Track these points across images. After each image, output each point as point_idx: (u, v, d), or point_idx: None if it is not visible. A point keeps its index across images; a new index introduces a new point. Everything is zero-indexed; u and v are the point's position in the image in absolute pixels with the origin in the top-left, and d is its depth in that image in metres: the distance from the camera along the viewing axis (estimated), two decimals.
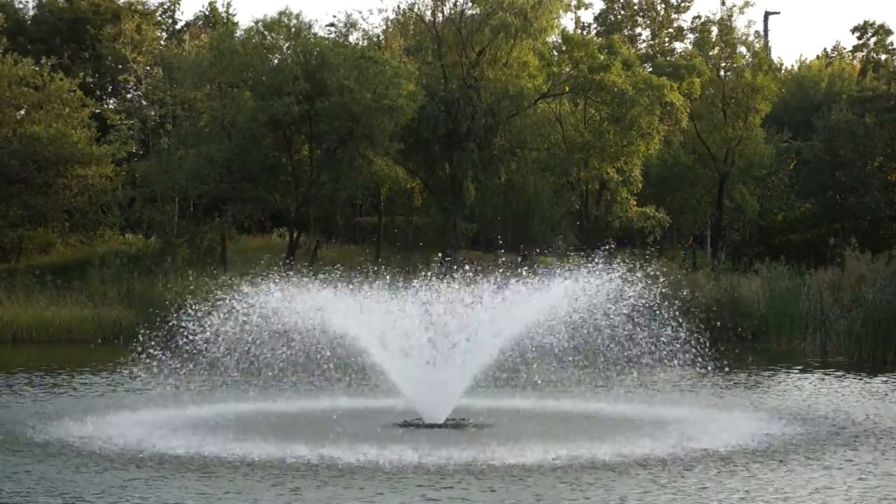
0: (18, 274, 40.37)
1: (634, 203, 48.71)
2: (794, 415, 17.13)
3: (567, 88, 48.81)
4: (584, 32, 64.67)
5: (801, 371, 24.22)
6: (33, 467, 12.67)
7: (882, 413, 17.38)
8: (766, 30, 70.72)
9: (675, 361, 17.55)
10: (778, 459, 13.24)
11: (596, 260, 16.75)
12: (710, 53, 52.93)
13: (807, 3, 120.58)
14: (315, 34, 47.82)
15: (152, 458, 13.02)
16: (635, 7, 72.27)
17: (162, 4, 62.06)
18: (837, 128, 52.66)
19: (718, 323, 25.78)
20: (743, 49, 53.29)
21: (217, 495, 11.25)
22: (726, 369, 21.68)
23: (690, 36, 63.68)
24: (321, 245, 47.17)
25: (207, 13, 61.15)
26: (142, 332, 17.97)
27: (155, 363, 17.53)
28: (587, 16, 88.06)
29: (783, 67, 70.81)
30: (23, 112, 48.03)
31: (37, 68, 48.79)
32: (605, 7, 71.89)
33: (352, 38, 53.07)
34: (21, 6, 60.89)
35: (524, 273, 16.89)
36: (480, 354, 16.18)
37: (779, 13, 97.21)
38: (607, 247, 19.32)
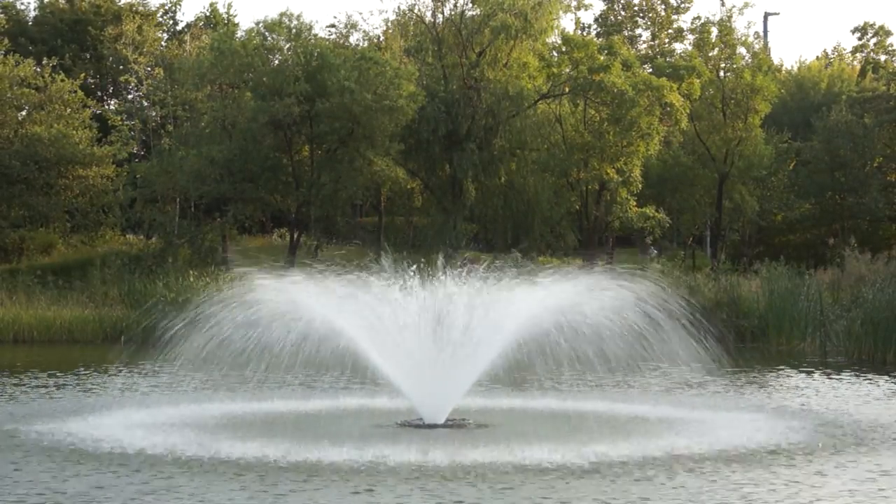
0: (20, 274, 40.47)
1: (634, 203, 48.76)
2: (797, 414, 17.19)
3: (567, 89, 48.89)
4: (584, 33, 64.73)
5: (802, 371, 24.29)
6: (32, 467, 12.74)
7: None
8: (765, 31, 70.80)
9: (677, 362, 17.59)
10: (788, 459, 13.31)
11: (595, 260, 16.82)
12: (710, 54, 53.02)
13: (806, 4, 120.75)
14: (315, 35, 48.02)
15: (148, 458, 13.08)
16: (635, 8, 72.29)
17: (163, 5, 62.18)
18: (837, 128, 52.72)
19: (718, 323, 25.84)
20: (742, 50, 53.41)
21: (210, 495, 11.29)
22: (726, 370, 21.73)
23: (690, 37, 63.75)
24: (321, 245, 47.27)
25: (208, 14, 61.20)
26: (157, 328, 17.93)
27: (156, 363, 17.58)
28: (587, 17, 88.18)
29: (783, 68, 70.86)
30: (24, 113, 48.14)
31: (38, 69, 48.93)
32: (605, 8, 71.95)
33: (352, 39, 53.35)
34: (22, 7, 61.19)
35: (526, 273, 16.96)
36: (483, 354, 16.24)
37: (778, 14, 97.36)
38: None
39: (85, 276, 39.34)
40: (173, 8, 62.64)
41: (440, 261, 16.98)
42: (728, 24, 53.03)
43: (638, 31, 72.99)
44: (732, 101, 51.14)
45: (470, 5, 49.28)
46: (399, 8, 61.81)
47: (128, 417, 16.36)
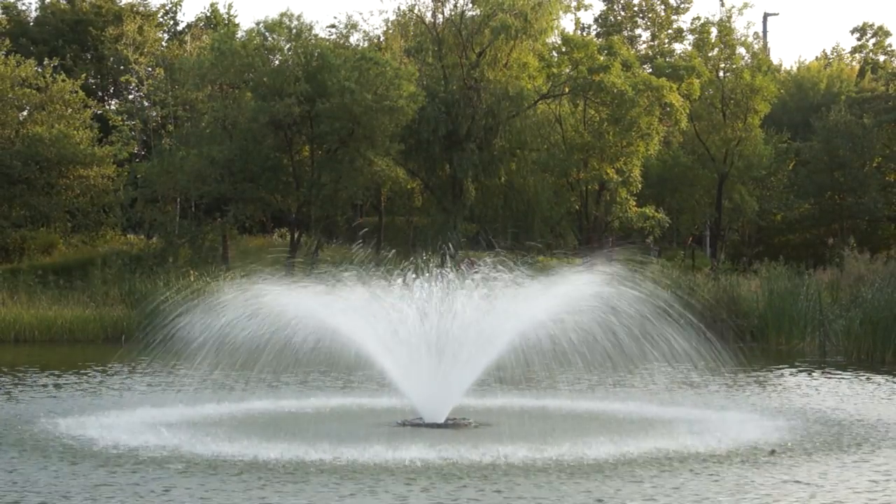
0: (21, 274, 40.53)
1: (634, 203, 48.79)
2: (798, 414, 17.22)
3: (567, 89, 48.91)
4: (584, 34, 64.76)
5: (802, 371, 24.32)
6: (30, 466, 12.77)
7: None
8: (765, 31, 70.87)
9: (677, 362, 17.61)
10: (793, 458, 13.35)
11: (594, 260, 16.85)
12: (710, 54, 53.06)
13: (806, 4, 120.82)
14: (316, 35, 47.96)
15: (147, 457, 13.10)
16: (635, 8, 72.29)
17: (163, 6, 62.22)
18: (836, 128, 52.80)
19: (718, 323, 25.88)
20: (742, 50, 53.48)
21: (209, 494, 11.32)
22: (726, 370, 21.74)
23: (690, 37, 63.71)
24: (322, 245, 47.28)
25: (209, 14, 61.23)
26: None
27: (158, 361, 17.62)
28: (587, 17, 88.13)
29: (782, 68, 70.93)
30: (25, 113, 48.19)
31: (39, 69, 48.97)
32: (604, 8, 71.96)
33: (352, 40, 53.28)
34: (24, 8, 61.23)
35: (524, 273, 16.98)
36: (483, 354, 16.25)
37: (778, 14, 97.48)
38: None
39: (86, 276, 39.40)
40: (174, 8, 62.69)
41: (445, 256, 17.02)
42: (728, 24, 53.08)
43: (638, 31, 72.96)
44: (732, 102, 51.20)
45: (470, 5, 49.31)
46: (399, 8, 61.87)
47: (127, 417, 16.38)
